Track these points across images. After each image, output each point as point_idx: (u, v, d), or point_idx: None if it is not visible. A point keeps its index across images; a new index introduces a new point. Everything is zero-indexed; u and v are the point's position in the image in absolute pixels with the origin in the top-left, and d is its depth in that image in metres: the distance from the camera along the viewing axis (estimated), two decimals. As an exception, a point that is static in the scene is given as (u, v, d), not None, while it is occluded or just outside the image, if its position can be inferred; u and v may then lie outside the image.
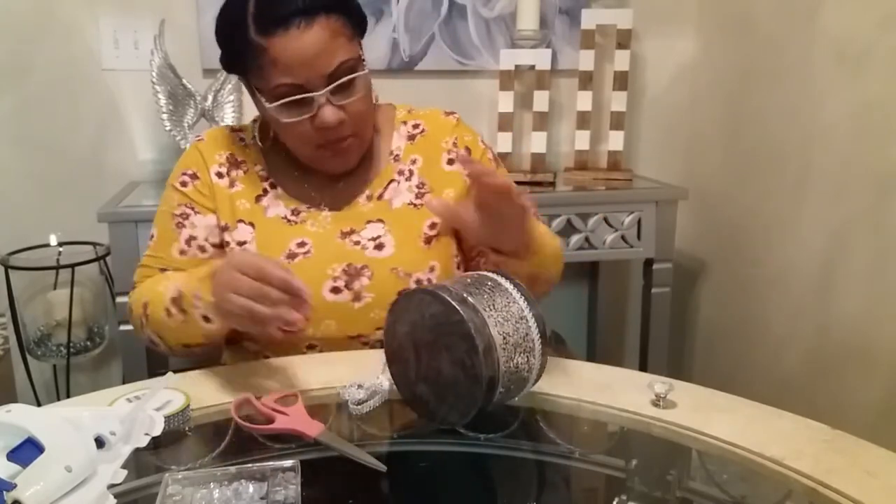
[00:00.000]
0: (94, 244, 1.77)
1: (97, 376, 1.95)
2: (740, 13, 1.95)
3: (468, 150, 1.16)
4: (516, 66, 1.95)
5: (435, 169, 1.14)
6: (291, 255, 1.06)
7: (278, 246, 1.06)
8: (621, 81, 2.00)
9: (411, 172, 1.13)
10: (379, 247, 1.07)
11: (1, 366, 1.74)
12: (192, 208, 1.09)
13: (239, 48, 1.00)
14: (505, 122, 1.96)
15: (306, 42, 0.96)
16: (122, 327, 1.61)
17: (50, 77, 1.81)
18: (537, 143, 1.98)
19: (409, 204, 1.11)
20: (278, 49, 0.96)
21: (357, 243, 1.08)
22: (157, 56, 1.69)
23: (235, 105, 1.80)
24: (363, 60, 1.03)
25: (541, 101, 1.97)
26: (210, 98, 1.77)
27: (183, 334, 0.98)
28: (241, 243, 1.07)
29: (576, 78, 2.00)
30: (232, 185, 1.10)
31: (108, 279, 1.79)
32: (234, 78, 1.78)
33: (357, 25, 1.04)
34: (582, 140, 2.02)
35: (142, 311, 1.02)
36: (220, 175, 1.10)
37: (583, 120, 2.01)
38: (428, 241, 1.09)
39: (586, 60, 1.98)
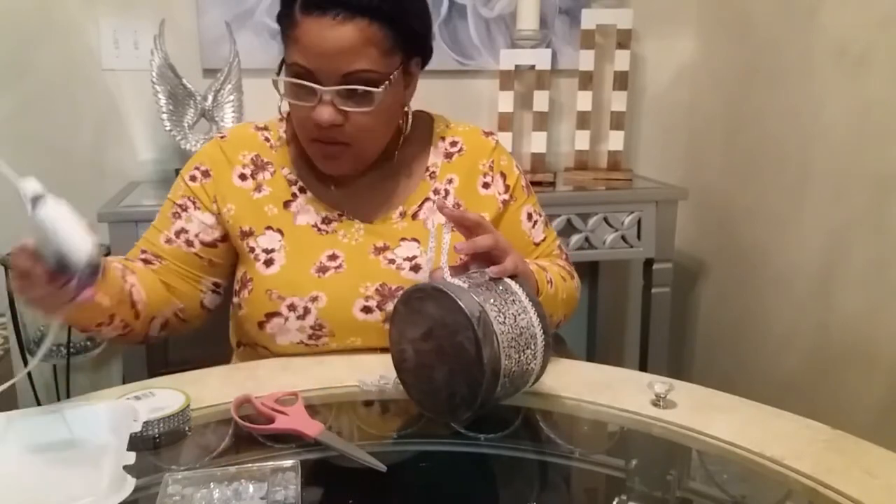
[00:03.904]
0: (94, 244, 1.76)
1: (97, 376, 1.95)
2: (740, 13, 1.95)
3: (503, 174, 1.13)
4: (516, 66, 1.95)
5: (470, 191, 1.11)
6: (322, 269, 1.03)
7: (308, 257, 1.04)
8: (621, 81, 2.00)
9: (447, 192, 1.11)
10: (415, 268, 1.04)
11: (1, 366, 1.74)
12: (194, 203, 1.07)
13: (283, 14, 0.99)
14: (505, 122, 1.96)
15: (333, 35, 0.94)
16: (122, 327, 1.61)
17: (50, 77, 1.81)
18: (537, 143, 1.98)
19: (444, 224, 1.09)
20: (305, 29, 0.95)
21: (392, 262, 1.04)
22: (157, 56, 1.69)
23: (235, 105, 1.79)
24: (391, 79, 0.98)
25: (541, 101, 1.97)
26: (210, 98, 1.77)
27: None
28: (268, 251, 1.05)
29: (576, 78, 2.00)
30: (258, 189, 1.07)
31: (108, 279, 1.79)
32: (234, 78, 1.78)
33: (403, 44, 0.99)
34: (582, 140, 2.02)
35: None
36: (243, 177, 1.07)
37: (583, 120, 2.01)
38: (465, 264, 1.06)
39: (586, 60, 1.98)
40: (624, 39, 1.97)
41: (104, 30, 1.82)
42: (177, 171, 1.74)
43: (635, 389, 0.90)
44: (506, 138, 1.96)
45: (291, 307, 1.01)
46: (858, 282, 1.57)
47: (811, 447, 0.78)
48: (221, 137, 1.11)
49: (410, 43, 1.01)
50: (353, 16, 0.94)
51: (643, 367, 1.93)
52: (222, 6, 1.84)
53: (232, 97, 1.79)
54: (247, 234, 1.06)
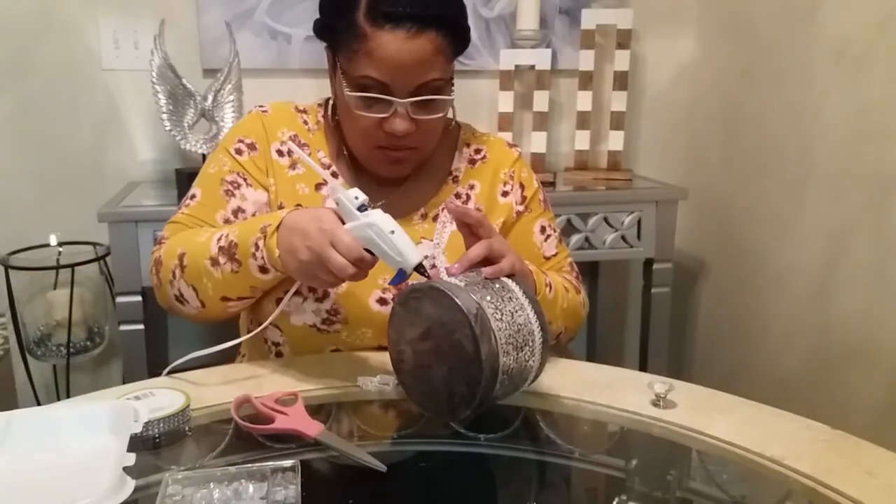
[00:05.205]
0: (94, 244, 1.76)
1: (97, 376, 1.95)
2: (740, 13, 1.95)
3: (522, 185, 1.14)
4: (516, 66, 1.95)
5: (490, 198, 1.12)
6: None
7: None
8: (621, 81, 2.00)
9: (468, 197, 1.12)
10: (432, 268, 1.05)
11: (1, 366, 1.74)
12: (245, 179, 1.06)
13: (340, 24, 0.98)
14: (505, 122, 1.96)
15: (409, 48, 0.94)
16: (123, 327, 1.62)
17: (50, 77, 1.81)
18: (537, 143, 1.98)
19: (447, 220, 1.09)
20: (380, 43, 0.94)
21: None
22: (157, 56, 1.69)
23: (235, 105, 1.79)
24: (452, 84, 1.02)
25: (541, 101, 1.97)
26: (210, 98, 1.77)
27: (228, 286, 0.95)
28: None
29: (576, 78, 2.00)
30: (293, 166, 1.07)
31: (108, 279, 1.79)
32: (234, 78, 1.78)
33: (459, 48, 1.02)
34: (582, 140, 2.02)
35: (177, 262, 0.98)
36: (280, 153, 1.08)
37: (583, 120, 2.01)
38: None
39: (586, 60, 1.98)
40: (624, 39, 1.97)
41: (104, 30, 1.82)
42: (177, 171, 1.76)
43: (635, 389, 0.90)
44: (505, 138, 1.96)
45: (312, 287, 1.01)
46: (858, 282, 1.57)
47: (811, 447, 0.78)
48: (263, 111, 1.11)
49: (463, 45, 1.04)
50: (425, 27, 0.95)
51: (643, 367, 1.94)
52: (222, 6, 1.84)
53: (232, 97, 1.79)
54: (280, 209, 1.05)
